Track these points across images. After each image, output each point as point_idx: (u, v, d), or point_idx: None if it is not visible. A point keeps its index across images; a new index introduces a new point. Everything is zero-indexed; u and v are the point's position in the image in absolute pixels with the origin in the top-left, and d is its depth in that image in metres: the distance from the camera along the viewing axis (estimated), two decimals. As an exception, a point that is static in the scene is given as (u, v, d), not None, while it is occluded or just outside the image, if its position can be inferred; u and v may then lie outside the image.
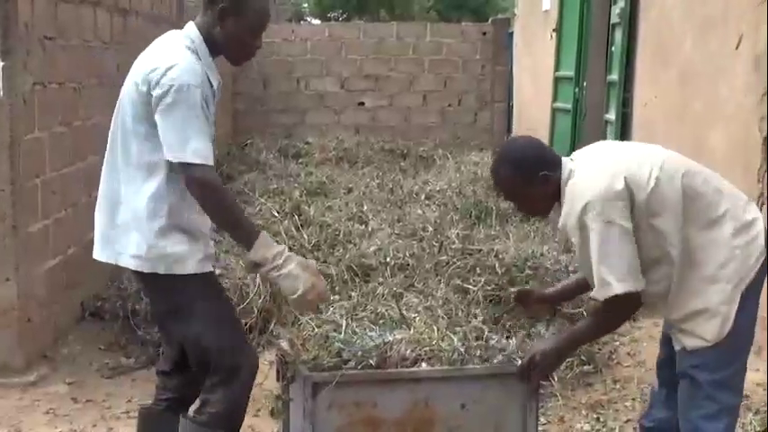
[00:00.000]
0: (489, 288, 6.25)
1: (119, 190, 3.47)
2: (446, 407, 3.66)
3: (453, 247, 7.19)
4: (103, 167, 3.58)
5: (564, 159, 3.56)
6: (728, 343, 3.40)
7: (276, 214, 8.39)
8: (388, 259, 7.06)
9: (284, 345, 3.80)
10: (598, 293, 3.38)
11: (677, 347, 3.49)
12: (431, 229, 7.93)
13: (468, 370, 3.68)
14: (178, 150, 3.30)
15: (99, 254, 3.55)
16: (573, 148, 9.82)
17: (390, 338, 3.72)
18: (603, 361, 5.73)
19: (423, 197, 9.72)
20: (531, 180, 3.50)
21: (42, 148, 6.02)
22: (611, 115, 8.89)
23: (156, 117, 3.32)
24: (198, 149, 3.30)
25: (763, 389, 5.15)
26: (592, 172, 3.43)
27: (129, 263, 3.44)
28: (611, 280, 3.32)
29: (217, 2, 3.44)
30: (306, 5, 33.77)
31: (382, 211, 8.97)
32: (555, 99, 11.15)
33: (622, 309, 3.44)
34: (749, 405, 5.01)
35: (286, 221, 8.07)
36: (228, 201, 3.49)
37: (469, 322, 4.47)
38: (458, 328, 4.01)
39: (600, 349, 5.84)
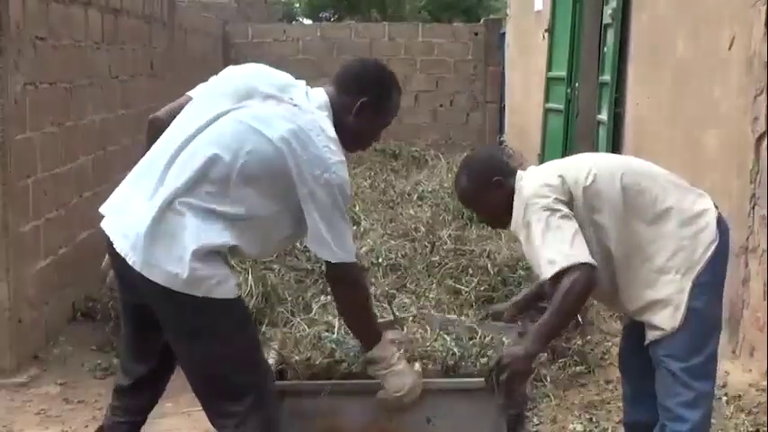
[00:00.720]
0: (482, 289, 6.26)
1: (177, 208, 3.17)
2: (411, 420, 3.59)
3: (445, 247, 7.21)
4: (167, 177, 3.22)
5: (519, 171, 3.76)
6: (692, 331, 3.49)
7: (268, 215, 8.38)
8: (380, 260, 7.07)
9: (275, 346, 3.79)
10: (546, 273, 3.41)
11: (647, 342, 3.58)
12: (423, 229, 7.94)
13: (435, 383, 3.60)
14: (339, 250, 3.26)
15: (127, 253, 3.20)
16: (565, 148, 9.84)
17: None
18: (596, 361, 5.74)
19: (415, 197, 9.73)
20: (485, 186, 3.70)
21: (33, 148, 6.02)
22: (604, 116, 8.89)
23: (313, 211, 3.20)
24: (352, 248, 3.34)
25: (755, 389, 5.16)
26: (533, 176, 3.66)
27: (159, 278, 3.15)
28: (555, 258, 3.38)
29: (359, 93, 3.39)
30: (297, 5, 33.75)
31: (374, 211, 8.98)
32: (547, 99, 11.15)
33: (575, 284, 3.36)
34: (741, 406, 5.02)
35: (278, 222, 8.06)
36: (370, 302, 3.53)
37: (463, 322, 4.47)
38: (450, 328, 4.01)
39: (592, 350, 5.85)
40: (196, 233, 3.14)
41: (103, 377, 5.73)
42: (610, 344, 6.03)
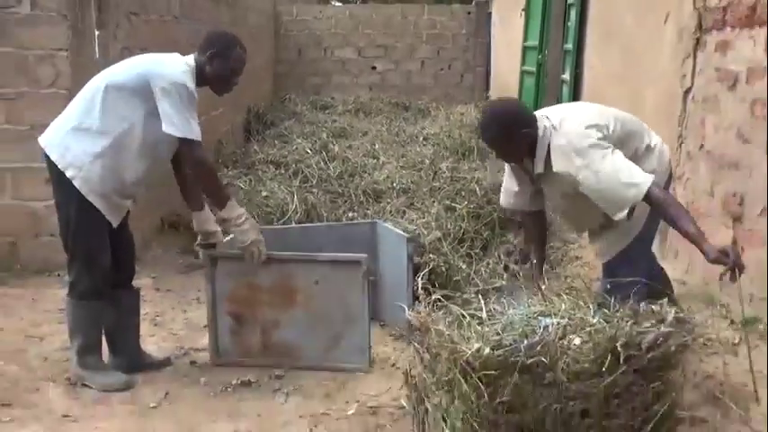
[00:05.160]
0: (471, 206, 6.29)
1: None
2: (304, 281, 3.87)
3: (444, 176, 7.23)
4: (85, 102, 3.60)
5: (538, 114, 3.48)
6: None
7: (309, 151, 8.45)
8: (394, 184, 7.10)
9: None
10: (635, 196, 3.18)
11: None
12: (427, 162, 7.97)
13: (320, 256, 3.89)
14: (183, 128, 3.46)
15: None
16: (537, 101, 9.77)
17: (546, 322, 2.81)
18: (556, 261, 5.75)
19: (421, 139, 9.78)
20: (514, 137, 3.38)
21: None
22: (567, 76, 8.81)
23: (164, 101, 3.44)
24: (196, 131, 3.50)
25: (677, 282, 5.15)
26: (568, 122, 3.36)
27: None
28: (637, 180, 3.18)
29: (210, 47, 3.66)
30: (331, -9, 33.22)
31: (390, 149, 9.01)
32: (523, 63, 11.04)
33: (665, 194, 3.25)
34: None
35: (317, 157, 8.13)
36: (215, 173, 3.75)
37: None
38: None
39: (554, 253, 5.86)
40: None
41: (185, 272, 5.80)
42: (566, 248, 6.05)
